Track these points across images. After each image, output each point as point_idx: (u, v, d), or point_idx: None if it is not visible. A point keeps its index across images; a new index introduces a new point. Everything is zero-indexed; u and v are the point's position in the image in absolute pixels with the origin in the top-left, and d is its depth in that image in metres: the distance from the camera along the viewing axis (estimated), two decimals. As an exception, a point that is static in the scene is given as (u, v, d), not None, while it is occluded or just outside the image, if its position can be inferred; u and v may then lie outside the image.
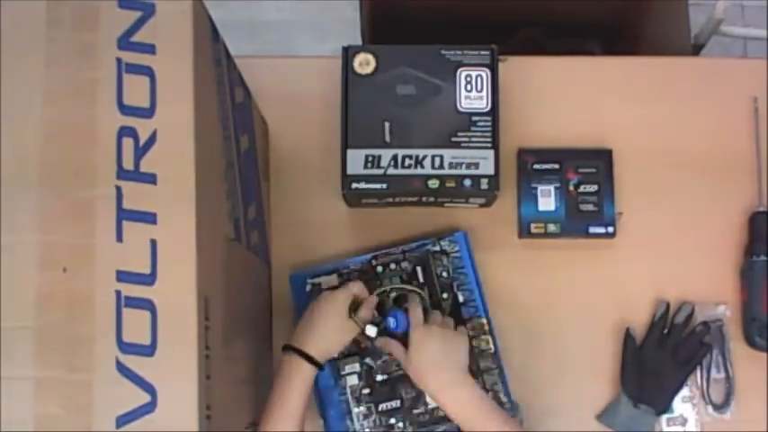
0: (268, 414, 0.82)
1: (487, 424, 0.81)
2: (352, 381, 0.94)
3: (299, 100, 1.04)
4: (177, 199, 0.60)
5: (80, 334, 0.58)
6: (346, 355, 0.94)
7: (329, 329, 0.85)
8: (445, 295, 0.95)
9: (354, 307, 0.88)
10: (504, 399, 0.93)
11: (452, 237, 0.97)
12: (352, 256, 1.00)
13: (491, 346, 0.95)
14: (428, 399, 0.93)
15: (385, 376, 0.93)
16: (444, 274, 0.96)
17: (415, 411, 0.93)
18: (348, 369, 0.93)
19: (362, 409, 0.93)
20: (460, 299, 0.96)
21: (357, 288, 0.89)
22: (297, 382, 0.82)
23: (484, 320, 0.95)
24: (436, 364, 0.84)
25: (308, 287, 0.96)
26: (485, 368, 0.94)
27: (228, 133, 0.76)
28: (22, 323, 0.59)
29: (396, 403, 0.93)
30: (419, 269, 0.96)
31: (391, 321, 0.90)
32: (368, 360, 0.94)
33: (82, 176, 0.60)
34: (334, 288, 0.91)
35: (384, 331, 0.89)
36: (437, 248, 0.97)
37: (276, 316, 1.00)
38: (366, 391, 0.93)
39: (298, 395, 0.82)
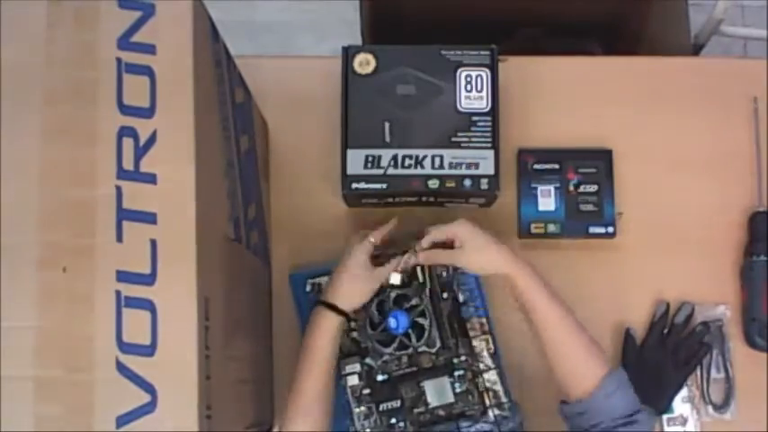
0: (299, 366, 0.83)
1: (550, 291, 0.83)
2: (353, 381, 0.93)
3: (299, 100, 1.04)
4: (177, 199, 0.60)
5: (80, 334, 0.58)
6: (346, 354, 0.94)
7: (352, 281, 0.86)
8: (445, 295, 0.95)
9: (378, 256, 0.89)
10: (504, 399, 0.93)
11: None
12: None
13: (491, 345, 0.95)
14: (429, 398, 0.92)
15: (386, 376, 0.93)
16: (444, 273, 0.96)
17: (416, 411, 0.93)
18: (348, 369, 0.93)
19: (363, 409, 0.93)
20: (461, 298, 0.96)
21: (375, 237, 0.89)
22: (323, 331, 0.84)
23: (484, 320, 0.95)
24: (499, 241, 0.85)
25: (308, 287, 0.96)
26: (485, 368, 0.94)
27: (228, 133, 0.76)
28: (22, 323, 0.59)
29: (396, 403, 0.93)
30: (419, 268, 0.95)
31: (392, 321, 0.90)
32: (368, 360, 0.94)
33: (82, 176, 0.60)
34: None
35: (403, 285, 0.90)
36: None
37: (276, 316, 1.00)
38: (366, 391, 0.93)
39: (325, 344, 0.83)
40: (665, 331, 0.98)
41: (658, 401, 0.95)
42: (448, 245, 0.88)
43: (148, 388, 0.58)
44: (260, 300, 0.96)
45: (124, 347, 0.58)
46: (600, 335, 0.99)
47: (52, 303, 0.59)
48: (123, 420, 0.57)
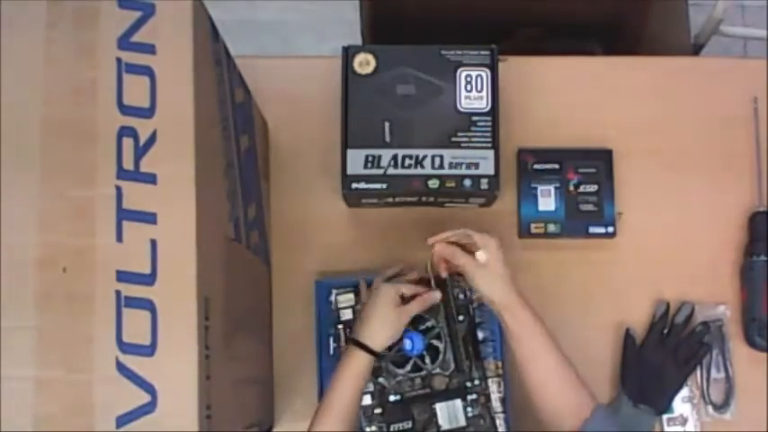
0: (325, 399, 0.84)
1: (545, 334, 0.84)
2: (365, 400, 0.92)
3: (299, 100, 1.04)
4: (177, 199, 0.60)
5: (80, 334, 0.58)
6: None
7: (380, 320, 0.86)
8: (461, 317, 0.94)
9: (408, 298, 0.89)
10: None
11: None
12: (351, 256, 1.00)
13: (501, 389, 0.94)
14: (440, 420, 0.92)
15: (398, 396, 0.92)
16: (461, 296, 0.95)
17: None
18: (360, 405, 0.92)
19: (374, 429, 0.92)
20: (480, 336, 0.94)
21: (407, 290, 0.89)
22: (352, 370, 0.84)
23: (499, 363, 0.95)
24: (511, 275, 0.85)
25: (332, 296, 0.96)
26: (484, 427, 0.93)
27: (228, 133, 0.76)
28: (22, 323, 0.59)
29: (408, 424, 0.92)
30: (429, 271, 0.94)
31: (407, 343, 0.89)
32: (381, 380, 0.93)
33: (82, 176, 0.60)
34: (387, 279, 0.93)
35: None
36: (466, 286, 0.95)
37: (276, 316, 1.00)
38: (378, 410, 0.92)
39: (351, 383, 0.84)
40: (665, 331, 0.98)
41: (658, 401, 0.95)
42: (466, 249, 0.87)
43: (148, 388, 0.58)
44: (260, 300, 0.96)
45: (124, 347, 0.58)
46: (600, 335, 0.99)
47: (52, 303, 0.59)
48: (123, 420, 0.57)
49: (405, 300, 0.88)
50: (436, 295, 0.89)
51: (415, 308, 0.88)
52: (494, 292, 0.85)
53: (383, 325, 0.86)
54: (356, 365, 0.84)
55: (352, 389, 0.83)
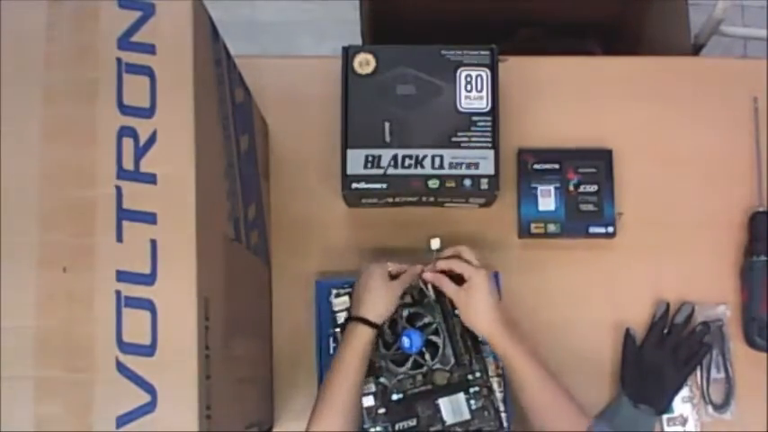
0: (331, 378, 0.85)
1: (536, 366, 0.86)
2: (368, 402, 0.92)
3: (299, 100, 1.04)
4: (177, 199, 0.60)
5: (80, 334, 0.58)
6: None
7: (375, 293, 0.88)
8: (457, 311, 0.93)
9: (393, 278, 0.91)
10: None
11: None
12: (352, 256, 1.00)
13: (501, 389, 0.94)
14: (444, 416, 0.92)
15: (400, 395, 0.92)
16: None
17: (432, 429, 0.92)
18: (363, 389, 0.91)
19: (379, 429, 0.91)
20: (480, 336, 0.94)
21: (392, 267, 0.91)
22: (355, 343, 0.85)
23: (499, 363, 0.94)
24: (493, 296, 0.87)
25: (333, 296, 0.96)
26: (488, 419, 0.93)
27: (228, 133, 0.76)
28: (22, 323, 0.59)
29: (412, 422, 0.92)
30: (430, 285, 0.93)
31: (405, 341, 0.90)
32: (383, 379, 0.92)
33: (82, 176, 0.60)
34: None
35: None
36: None
37: (276, 316, 1.00)
38: (382, 410, 0.92)
39: (356, 356, 0.85)
40: (665, 331, 0.98)
41: (658, 401, 0.95)
42: (455, 278, 0.89)
43: (148, 388, 0.58)
44: (260, 300, 0.96)
45: (124, 347, 0.58)
46: (600, 335, 0.99)
47: (52, 303, 0.59)
48: (123, 420, 0.57)
49: (393, 277, 0.90)
50: (417, 268, 0.91)
51: (405, 279, 0.90)
52: (476, 324, 0.88)
53: (379, 297, 0.88)
54: (358, 341, 0.85)
55: (354, 367, 0.84)
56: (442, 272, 0.90)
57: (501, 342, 0.86)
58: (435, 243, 0.92)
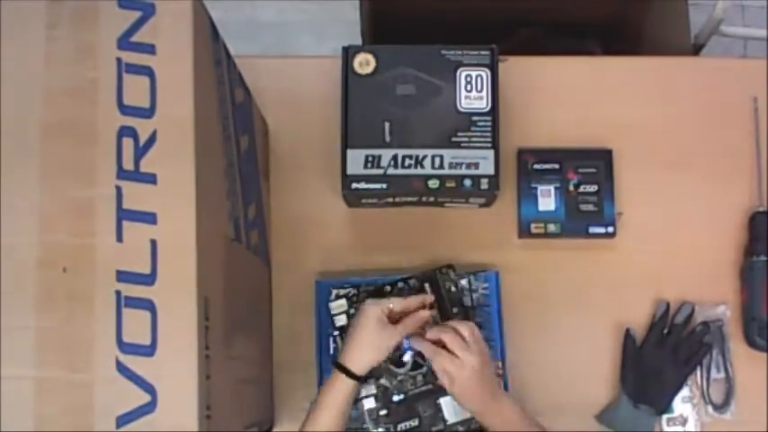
0: (309, 421, 0.83)
1: None
2: (369, 404, 0.92)
3: (299, 100, 1.04)
4: (177, 199, 0.60)
5: (80, 334, 0.58)
6: (359, 378, 0.92)
7: (362, 343, 0.84)
8: (455, 309, 0.93)
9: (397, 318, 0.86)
10: None
11: (485, 274, 0.97)
12: (351, 256, 1.00)
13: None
14: (446, 415, 0.92)
15: (401, 396, 0.92)
16: (453, 288, 0.94)
17: (434, 429, 0.91)
18: (364, 392, 0.91)
19: (381, 430, 0.91)
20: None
21: (395, 305, 0.85)
22: (333, 394, 0.83)
23: (499, 363, 0.95)
24: (481, 378, 0.82)
25: (333, 296, 0.96)
26: None
27: (228, 133, 0.76)
28: (22, 323, 0.59)
29: (414, 422, 0.92)
30: (426, 285, 0.94)
31: (405, 343, 0.89)
32: (383, 381, 0.92)
33: (82, 176, 0.60)
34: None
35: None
36: (465, 283, 0.95)
37: (276, 316, 1.00)
38: (383, 412, 0.92)
39: (332, 407, 0.82)
40: (665, 331, 0.98)
41: (658, 401, 0.95)
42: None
43: (148, 388, 0.58)
44: (260, 300, 0.96)
45: (124, 347, 0.58)
46: (600, 335, 0.99)
47: (52, 303, 0.59)
48: (123, 420, 0.57)
49: (394, 316, 0.85)
50: (425, 315, 0.86)
51: (408, 326, 0.84)
52: (465, 405, 0.85)
53: (365, 348, 0.84)
54: (338, 389, 0.83)
55: (333, 413, 0.82)
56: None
57: (490, 421, 0.83)
58: (407, 356, 0.90)
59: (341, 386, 0.83)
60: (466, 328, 0.84)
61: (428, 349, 0.85)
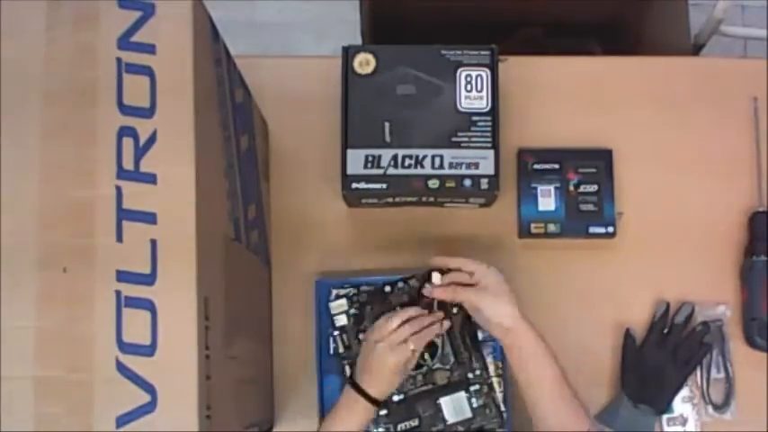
0: None
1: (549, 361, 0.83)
2: None
3: (299, 100, 1.04)
4: (177, 199, 0.60)
5: (80, 334, 0.58)
6: None
7: (379, 371, 0.83)
8: (455, 310, 0.92)
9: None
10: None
11: None
12: (351, 256, 1.00)
13: (501, 389, 0.94)
14: (446, 414, 0.91)
15: (401, 396, 0.92)
16: None
17: (434, 429, 0.91)
18: None
19: (381, 431, 0.91)
20: (480, 336, 0.93)
21: (394, 321, 0.84)
22: (354, 417, 0.82)
23: (499, 363, 0.95)
24: (513, 297, 0.84)
25: (333, 296, 0.95)
26: (490, 417, 0.92)
27: (228, 133, 0.76)
28: (22, 323, 0.59)
29: (414, 422, 0.91)
30: (426, 285, 0.92)
31: None
32: None
33: (82, 176, 0.60)
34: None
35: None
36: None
37: (276, 316, 1.00)
38: (383, 412, 0.91)
39: (347, 426, 0.82)
40: (665, 331, 0.98)
41: (658, 401, 0.95)
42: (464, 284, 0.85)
43: (148, 388, 0.58)
44: (260, 300, 0.96)
45: (124, 347, 0.58)
46: (600, 335, 0.99)
47: (52, 303, 0.59)
48: (123, 420, 0.57)
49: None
50: (434, 328, 0.86)
51: (417, 344, 0.84)
52: (502, 317, 0.83)
53: (380, 376, 0.83)
54: (356, 417, 0.82)
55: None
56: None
57: (524, 338, 0.82)
58: (437, 278, 0.88)
59: (360, 410, 0.82)
60: (468, 263, 0.85)
61: (452, 291, 0.85)
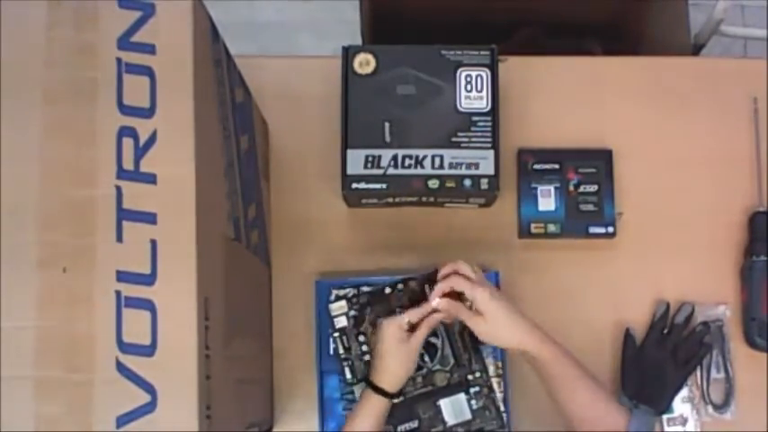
0: None
1: (572, 362, 0.84)
2: None
3: (299, 100, 1.04)
4: (177, 199, 0.60)
5: (80, 334, 0.58)
6: (361, 379, 0.92)
7: (390, 359, 0.85)
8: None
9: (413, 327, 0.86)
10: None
11: (485, 274, 0.95)
12: (352, 256, 1.00)
13: (501, 389, 0.94)
14: (446, 416, 0.92)
15: (401, 397, 0.91)
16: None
17: (434, 430, 0.91)
18: None
19: None
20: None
21: (411, 317, 0.86)
22: (366, 411, 0.84)
23: (499, 363, 0.95)
24: (518, 316, 0.84)
25: (333, 297, 0.95)
26: (489, 418, 0.92)
27: (228, 133, 0.76)
28: (22, 323, 0.59)
29: (414, 424, 0.92)
30: (426, 286, 0.93)
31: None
32: None
33: (82, 176, 0.60)
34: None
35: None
36: None
37: (276, 316, 1.00)
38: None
39: (365, 424, 0.84)
40: (665, 331, 0.98)
41: (658, 401, 0.95)
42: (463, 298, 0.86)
43: (148, 388, 0.58)
44: (260, 300, 0.96)
45: (124, 347, 0.58)
46: (600, 335, 0.99)
47: (52, 303, 0.59)
48: (123, 420, 0.57)
49: (412, 327, 0.86)
50: (438, 318, 0.86)
51: (423, 333, 0.85)
52: (507, 344, 0.85)
53: (394, 362, 0.85)
54: (373, 408, 0.84)
55: (364, 428, 0.84)
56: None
57: (534, 351, 0.83)
58: (436, 303, 0.86)
59: (375, 404, 0.84)
60: (466, 268, 0.85)
61: (454, 308, 0.84)
